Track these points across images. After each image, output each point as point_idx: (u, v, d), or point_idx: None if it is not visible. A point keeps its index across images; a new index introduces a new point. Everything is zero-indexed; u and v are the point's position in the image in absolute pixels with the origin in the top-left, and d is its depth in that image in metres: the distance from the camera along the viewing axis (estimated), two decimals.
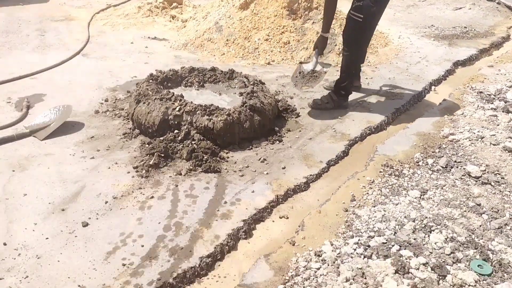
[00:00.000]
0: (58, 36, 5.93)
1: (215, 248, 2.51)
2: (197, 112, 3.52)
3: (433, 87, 5.09)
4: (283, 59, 5.54)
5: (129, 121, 3.84)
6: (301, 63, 4.59)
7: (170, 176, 3.17)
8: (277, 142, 3.74)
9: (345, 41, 4.17)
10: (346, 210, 2.91)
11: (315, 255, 2.46)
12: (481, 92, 4.71)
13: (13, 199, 2.81)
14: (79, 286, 2.18)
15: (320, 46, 4.14)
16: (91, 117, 3.91)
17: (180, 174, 3.21)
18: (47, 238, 2.50)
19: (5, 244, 2.43)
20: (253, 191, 3.05)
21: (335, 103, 4.29)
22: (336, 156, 3.57)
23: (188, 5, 7.22)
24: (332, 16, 4.10)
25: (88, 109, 4.04)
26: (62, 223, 2.63)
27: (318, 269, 2.34)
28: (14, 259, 2.34)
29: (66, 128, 3.66)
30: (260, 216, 2.85)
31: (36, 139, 3.51)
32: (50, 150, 3.38)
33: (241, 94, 4.03)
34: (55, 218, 2.68)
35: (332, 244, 2.55)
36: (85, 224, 2.63)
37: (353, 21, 3.92)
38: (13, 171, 3.10)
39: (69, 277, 2.24)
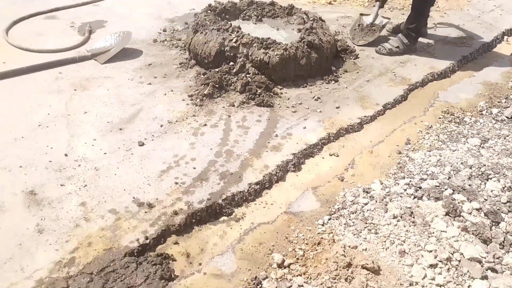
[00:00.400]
0: None
1: (263, 176, 2.55)
2: (254, 45, 3.47)
3: (505, 37, 4.72)
4: None
5: (185, 51, 3.86)
6: (361, 14, 4.39)
7: (223, 107, 3.19)
8: (333, 82, 3.64)
9: None
10: (400, 153, 2.83)
11: (364, 191, 2.44)
12: None
13: (75, 116, 2.94)
14: (133, 198, 2.30)
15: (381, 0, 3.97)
16: (149, 46, 3.96)
17: (233, 106, 3.22)
18: (105, 153, 2.62)
19: (66, 155, 2.58)
20: (304, 127, 3.03)
21: (405, 46, 4.09)
22: (394, 99, 3.44)
23: None
24: None
25: (147, 37, 4.09)
26: (119, 141, 2.74)
27: (366, 204, 2.33)
28: (74, 169, 2.48)
29: (125, 54, 3.74)
30: (310, 151, 2.83)
31: (97, 62, 3.61)
32: (109, 73, 3.48)
33: (299, 30, 3.91)
34: (113, 136, 2.79)
35: (381, 183, 2.51)
36: (141, 144, 2.73)
37: None
38: (75, 90, 3.23)
39: (124, 189, 2.35)
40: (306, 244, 2.10)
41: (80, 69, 3.50)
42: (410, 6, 4.12)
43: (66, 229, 2.08)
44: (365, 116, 3.21)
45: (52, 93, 3.16)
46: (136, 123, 2.93)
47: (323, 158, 2.83)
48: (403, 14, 5.01)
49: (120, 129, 2.85)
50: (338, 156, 2.84)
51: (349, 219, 2.24)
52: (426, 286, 1.88)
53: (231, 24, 3.64)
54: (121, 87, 3.31)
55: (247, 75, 3.43)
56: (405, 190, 2.43)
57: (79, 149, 2.63)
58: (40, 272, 1.86)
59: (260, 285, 1.88)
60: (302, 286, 1.86)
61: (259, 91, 3.33)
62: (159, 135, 2.83)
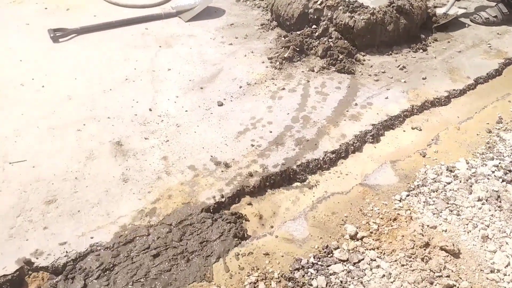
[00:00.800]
0: None
1: (340, 145, 2.49)
2: (339, 8, 3.34)
3: None
4: None
5: (267, 12, 3.80)
6: (435, 7, 4.02)
7: (302, 71, 3.14)
8: (421, 51, 3.43)
9: None
10: (490, 131, 2.64)
11: (447, 169, 2.31)
12: None
13: (159, 72, 3.03)
14: (211, 156, 2.35)
15: None
16: (232, 5, 3.94)
17: (313, 71, 3.15)
18: (186, 111, 2.69)
19: (150, 110, 2.68)
20: (386, 97, 2.90)
21: (504, 17, 3.73)
22: (487, 74, 3.19)
23: None
24: None
25: None
26: (200, 100, 2.80)
27: (449, 183, 2.21)
28: (158, 124, 2.58)
29: (209, 12, 3.76)
30: (390, 123, 2.72)
31: (181, 20, 3.67)
32: (192, 31, 3.52)
33: None
34: (194, 94, 2.85)
35: (467, 163, 2.37)
36: (220, 104, 2.76)
37: None
38: (160, 46, 3.32)
39: (203, 147, 2.41)
40: (381, 218, 2.05)
41: (164, 26, 3.57)
42: None
43: (148, 181, 2.18)
44: (453, 90, 3.01)
45: (139, 48, 3.27)
46: (216, 83, 2.96)
47: (404, 131, 2.70)
48: None
49: (201, 88, 2.90)
50: (421, 130, 2.70)
51: (429, 198, 2.15)
52: (509, 275, 1.77)
53: None
54: (203, 46, 3.34)
55: (330, 40, 3.33)
56: (493, 172, 2.27)
57: (163, 105, 2.73)
58: (124, 218, 1.98)
59: (331, 254, 1.87)
60: (374, 260, 1.83)
61: (340, 56, 3.22)
62: (238, 96, 2.85)
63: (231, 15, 3.79)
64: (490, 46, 3.51)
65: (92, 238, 1.89)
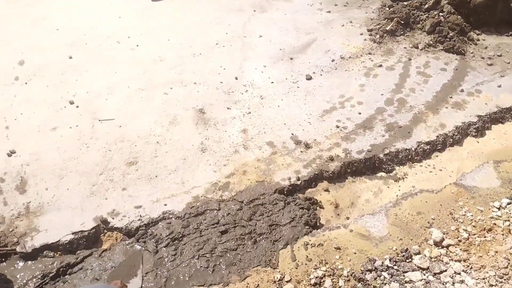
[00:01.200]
0: None
1: (437, 137, 2.24)
2: None
3: None
4: None
5: None
6: None
7: (404, 47, 2.85)
8: None
9: None
10: None
11: None
12: None
13: (250, 38, 2.94)
14: (292, 134, 2.24)
15: None
16: None
17: (417, 48, 2.85)
18: (272, 82, 2.58)
19: (236, 78, 2.61)
20: (499, 86, 2.54)
21: None
22: None
23: None
24: None
25: None
26: (288, 71, 2.67)
27: None
28: (242, 94, 2.50)
29: None
30: (501, 116, 2.39)
31: None
32: None
33: None
34: (283, 64, 2.72)
35: None
36: (309, 78, 2.61)
37: None
38: (254, 11, 3.20)
39: (285, 124, 2.30)
40: (474, 226, 1.82)
41: None
42: None
43: (225, 153, 2.14)
44: None
45: (233, 12, 3.19)
46: (307, 54, 2.80)
47: None
48: None
49: (291, 59, 2.76)
50: None
51: None
52: None
53: None
54: (298, 13, 3.17)
55: (441, 14, 2.97)
56: None
57: (249, 74, 2.64)
58: (198, 189, 1.97)
59: (410, 259, 1.70)
60: (459, 274, 1.64)
61: (451, 33, 2.87)
62: (329, 70, 2.67)
63: None
64: None
65: (165, 205, 1.91)
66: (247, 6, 3.25)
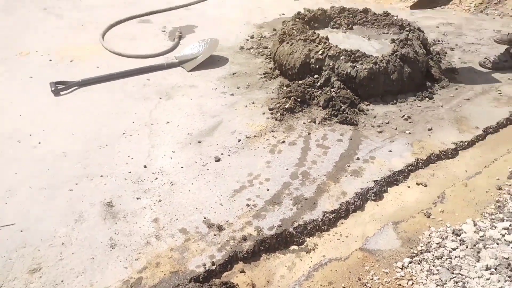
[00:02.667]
0: None
1: (340, 205, 2.38)
2: (341, 58, 3.29)
3: None
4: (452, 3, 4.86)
5: (270, 61, 3.78)
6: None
7: (303, 123, 3.07)
8: (427, 99, 3.34)
9: None
10: (500, 188, 2.50)
11: (453, 233, 2.17)
12: None
13: (157, 126, 3.00)
14: (204, 218, 2.27)
15: None
16: (235, 53, 3.94)
17: (314, 122, 3.08)
18: (182, 167, 2.63)
19: (145, 166, 2.62)
20: (390, 151, 2.80)
21: None
22: (497, 123, 3.07)
23: None
24: None
25: (234, 44, 4.08)
26: (197, 155, 2.74)
27: (454, 249, 2.07)
28: (151, 182, 2.51)
29: (212, 61, 3.75)
30: (394, 179, 2.61)
31: (183, 69, 3.67)
32: (194, 82, 3.51)
33: (393, 41, 3.65)
34: (191, 148, 2.79)
35: (475, 225, 2.23)
36: (218, 159, 2.70)
37: None
38: (160, 98, 3.30)
39: (196, 208, 2.33)
40: None
41: (167, 77, 3.57)
42: None
43: (137, 246, 2.10)
44: (461, 141, 2.89)
45: (139, 100, 3.26)
46: (214, 136, 2.91)
47: (408, 187, 2.58)
48: None
49: (199, 142, 2.85)
50: (426, 186, 2.58)
51: (433, 266, 2.01)
52: None
53: (318, 34, 3.48)
54: (204, 97, 3.32)
55: (332, 89, 3.27)
56: (503, 236, 2.13)
57: (158, 161, 2.67)
58: None
59: None
60: None
61: (343, 107, 3.15)
62: (236, 150, 2.79)
63: (234, 64, 3.78)
64: (500, 93, 3.40)
65: None
66: (153, 94, 3.35)
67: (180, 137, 2.90)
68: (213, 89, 3.43)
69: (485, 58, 3.74)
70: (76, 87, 3.36)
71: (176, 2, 4.85)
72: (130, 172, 2.57)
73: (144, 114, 3.11)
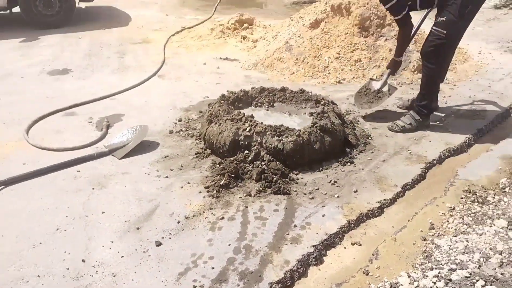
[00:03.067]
0: (136, 58, 6.26)
1: (285, 274, 2.46)
2: (267, 133, 3.52)
3: None
4: (354, 77, 5.43)
5: (201, 141, 3.92)
6: (371, 79, 4.51)
7: (240, 197, 3.18)
8: (349, 164, 3.63)
9: (425, 57, 3.97)
10: (424, 239, 2.74)
11: (391, 287, 2.32)
12: None
13: (92, 217, 2.95)
14: None
15: (393, 68, 4.15)
16: (165, 137, 4.04)
17: (250, 195, 3.21)
18: (122, 257, 2.58)
19: (83, 261, 2.54)
20: (323, 215, 2.97)
21: (418, 123, 4.10)
22: (412, 179, 3.40)
23: (259, 25, 7.34)
24: (407, 45, 4.16)
25: (163, 128, 4.19)
26: (137, 242, 2.71)
27: None
28: (92, 276, 2.44)
29: (143, 147, 3.81)
30: (331, 241, 2.76)
31: (114, 158, 3.68)
32: (127, 169, 3.52)
33: (311, 114, 3.97)
34: (130, 236, 2.76)
35: (409, 276, 2.40)
36: (158, 244, 2.69)
37: (434, 36, 3.75)
38: (93, 189, 3.26)
39: None
40: None
41: (98, 166, 3.56)
42: (420, 83, 4.18)
43: None
44: (384, 200, 3.15)
45: (71, 193, 3.20)
46: (153, 221, 2.91)
47: (345, 248, 2.74)
48: (412, 88, 5.10)
49: (137, 228, 2.83)
50: (360, 245, 2.75)
51: None
52: None
53: (243, 114, 3.72)
54: (138, 183, 3.33)
55: (262, 163, 3.45)
56: (435, 283, 2.31)
57: (97, 253, 2.60)
58: None
59: None
60: None
61: (275, 178, 3.32)
62: (176, 232, 2.80)
63: (165, 147, 3.86)
64: (410, 152, 3.78)
65: None
66: (85, 185, 3.30)
67: (118, 225, 2.86)
68: (146, 173, 3.46)
69: (393, 123, 4.18)
70: (2, 187, 3.23)
71: (100, 93, 4.92)
72: (68, 269, 2.48)
73: (78, 206, 3.04)
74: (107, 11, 8.69)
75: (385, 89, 4.32)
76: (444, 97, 4.81)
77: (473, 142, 3.98)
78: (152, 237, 2.75)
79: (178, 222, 2.90)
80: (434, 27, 3.74)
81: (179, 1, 9.79)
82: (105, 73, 5.68)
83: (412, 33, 4.10)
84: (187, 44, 6.85)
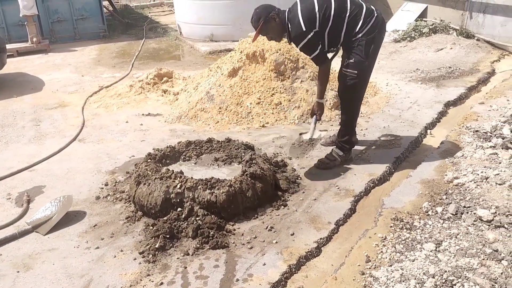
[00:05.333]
0: (53, 124, 6.00)
1: None
2: (199, 187, 3.50)
3: (428, 131, 5.12)
4: (276, 120, 5.60)
5: (131, 204, 3.80)
6: (301, 134, 4.65)
7: (177, 258, 3.09)
8: (282, 207, 3.69)
9: (342, 98, 4.23)
10: (363, 273, 2.82)
11: None
12: (477, 131, 4.74)
13: None
14: None
15: (319, 112, 4.25)
16: (92, 204, 3.87)
17: (188, 254, 3.13)
18: None
19: None
20: (264, 264, 2.97)
21: (341, 158, 4.29)
22: (344, 214, 3.52)
23: (178, 77, 7.40)
24: (327, 83, 4.26)
25: (89, 196, 4.01)
26: None
27: None
28: None
29: (69, 219, 3.61)
30: None
31: (39, 234, 3.45)
32: (53, 244, 3.31)
33: (239, 162, 4.02)
34: None
35: None
36: None
37: (347, 77, 3.97)
38: (18, 272, 3.02)
39: None
40: None
41: (21, 246, 3.31)
42: (340, 120, 4.40)
43: None
44: (320, 239, 3.23)
45: None
46: None
47: None
48: (332, 125, 5.36)
49: None
50: None
51: None
52: None
53: (172, 171, 3.68)
54: (67, 258, 3.14)
55: (197, 218, 3.41)
56: None
57: None
58: None
59: None
60: None
61: (211, 232, 3.28)
62: None
63: (93, 215, 3.69)
64: (338, 188, 3.93)
65: None
66: (8, 269, 3.03)
67: None
68: (75, 247, 3.27)
69: (319, 161, 4.34)
70: None
71: (17, 166, 4.64)
72: None
73: None
74: (18, 78, 8.32)
75: (316, 135, 4.41)
76: (362, 130, 5.10)
77: (393, 170, 4.23)
78: None
79: None
80: (344, 69, 3.99)
81: (94, 60, 9.64)
82: (21, 143, 5.37)
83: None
84: (106, 104, 6.71)
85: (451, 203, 3.41)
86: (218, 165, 4.09)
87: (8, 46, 9.02)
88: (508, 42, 8.22)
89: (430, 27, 9.36)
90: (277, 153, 4.69)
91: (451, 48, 8.40)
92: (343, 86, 4.11)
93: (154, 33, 12.46)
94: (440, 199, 3.55)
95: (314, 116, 4.33)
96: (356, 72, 3.92)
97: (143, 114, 6.18)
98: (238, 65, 6.15)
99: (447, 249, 2.89)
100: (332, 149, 4.39)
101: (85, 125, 5.88)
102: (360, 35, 3.84)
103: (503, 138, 4.37)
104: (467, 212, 3.27)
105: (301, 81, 5.94)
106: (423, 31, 9.34)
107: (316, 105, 4.26)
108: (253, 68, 6.10)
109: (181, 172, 3.70)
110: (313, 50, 3.92)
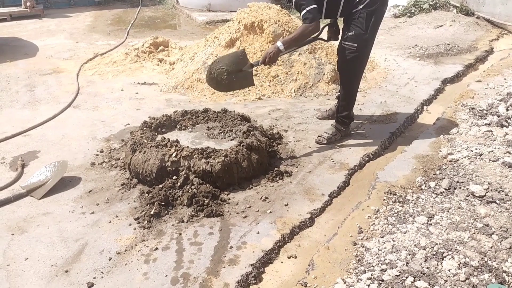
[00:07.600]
0: (47, 90, 5.93)
1: None
2: (194, 156, 3.50)
3: (425, 107, 5.13)
4: (273, 92, 5.58)
5: (126, 171, 3.80)
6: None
7: (172, 225, 3.12)
8: (277, 178, 3.70)
9: (342, 73, 4.19)
10: (355, 244, 2.86)
11: None
12: (473, 108, 4.75)
13: (15, 265, 2.74)
14: None
15: (271, 62, 3.80)
16: (87, 170, 3.87)
17: (183, 221, 3.16)
18: None
19: None
20: (258, 233, 3.01)
21: (342, 133, 4.29)
22: (338, 187, 3.55)
23: (174, 47, 7.31)
24: (301, 42, 3.91)
25: (84, 162, 4.01)
26: (66, 286, 2.56)
27: None
28: None
29: (63, 184, 3.62)
30: (268, 258, 2.79)
31: (33, 198, 3.45)
32: (48, 209, 3.32)
33: (236, 133, 4.02)
34: (59, 280, 2.60)
35: (345, 282, 2.49)
36: (91, 285, 2.56)
37: (347, 50, 3.91)
38: (13, 234, 3.03)
39: None
40: None
41: (16, 209, 3.32)
42: (338, 95, 4.38)
43: None
44: (314, 210, 3.26)
45: None
46: (82, 261, 2.76)
47: (282, 262, 2.79)
48: (328, 99, 5.34)
49: (66, 271, 2.67)
50: (296, 257, 2.81)
51: None
52: None
53: (168, 139, 3.67)
54: (62, 222, 3.15)
55: (192, 187, 3.42)
56: (369, 286, 2.42)
57: None
58: None
59: None
60: None
61: (206, 201, 3.30)
62: (109, 270, 2.68)
63: (88, 181, 3.69)
64: (333, 161, 3.95)
65: None
66: (4, 231, 3.06)
67: (44, 271, 2.68)
68: (70, 212, 3.28)
69: (319, 136, 4.31)
70: None
71: (11, 131, 4.60)
72: None
73: None
74: (11, 42, 8.18)
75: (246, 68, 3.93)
76: (358, 104, 5.09)
77: (388, 145, 4.25)
78: (82, 278, 2.61)
79: (110, 259, 2.78)
80: (344, 42, 3.94)
81: (88, 27, 9.47)
82: (15, 108, 5.32)
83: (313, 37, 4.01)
84: (101, 71, 6.63)
85: (444, 178, 3.44)
86: (214, 135, 4.07)
87: (1, 10, 8.87)
88: (508, 21, 8.17)
89: (431, 3, 9.27)
90: (273, 126, 4.68)
91: (451, 25, 8.34)
92: (343, 60, 4.06)
93: (150, 1, 12.24)
94: (433, 174, 3.58)
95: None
96: (355, 45, 3.87)
97: (138, 83, 6.13)
98: (236, 35, 6.08)
99: (439, 223, 2.93)
100: (332, 124, 4.38)
101: (80, 92, 5.82)
102: (361, 6, 3.76)
103: (498, 116, 4.39)
104: (460, 187, 3.30)
105: (299, 53, 5.88)
106: (423, 7, 9.26)
107: (276, 51, 3.70)
108: (251, 39, 6.03)
109: (177, 141, 3.69)
110: (307, 4, 3.60)
